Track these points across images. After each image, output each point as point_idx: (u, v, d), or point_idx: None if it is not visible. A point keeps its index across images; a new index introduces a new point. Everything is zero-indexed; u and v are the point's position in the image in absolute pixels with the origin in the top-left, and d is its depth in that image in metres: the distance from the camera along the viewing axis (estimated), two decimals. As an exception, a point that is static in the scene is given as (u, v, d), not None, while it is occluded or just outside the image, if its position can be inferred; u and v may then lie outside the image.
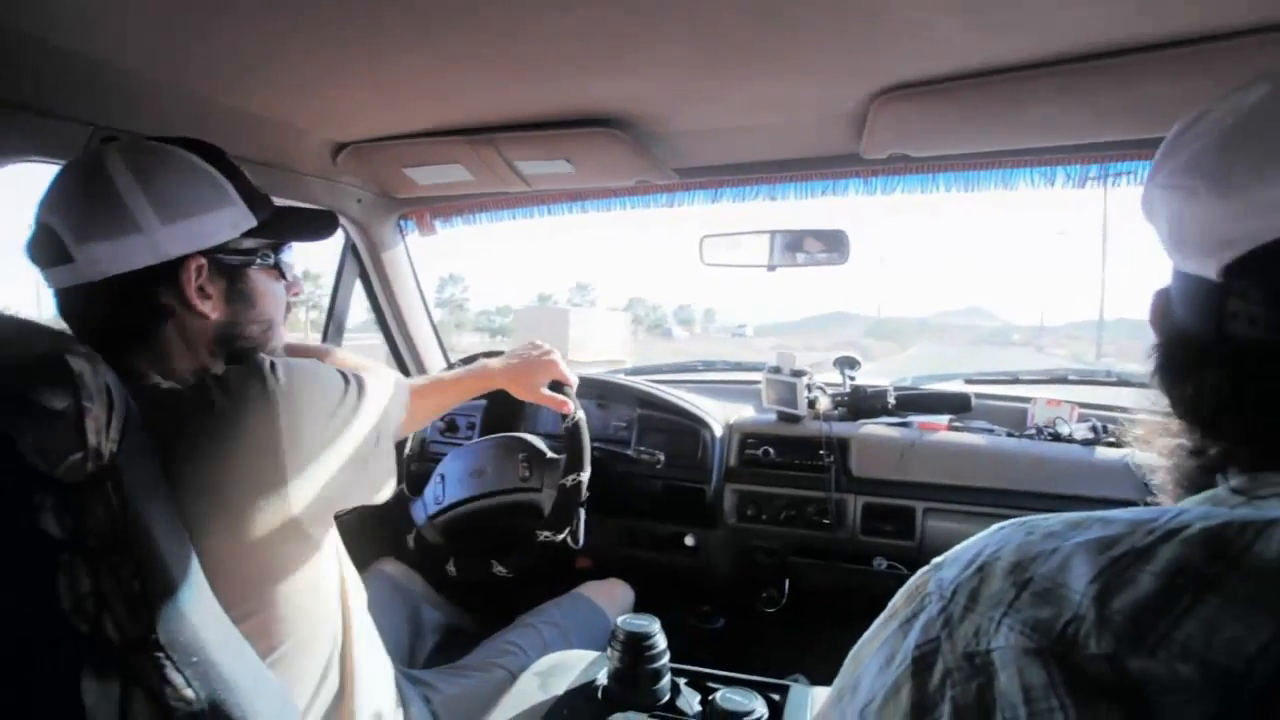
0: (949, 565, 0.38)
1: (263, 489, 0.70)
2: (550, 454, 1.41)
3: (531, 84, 1.04)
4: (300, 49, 0.91)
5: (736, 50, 0.91)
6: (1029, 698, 0.30)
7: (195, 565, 0.66)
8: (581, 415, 1.35)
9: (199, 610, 0.65)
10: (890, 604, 0.41)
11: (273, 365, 0.73)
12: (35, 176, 0.90)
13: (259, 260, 0.81)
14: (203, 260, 0.75)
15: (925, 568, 0.40)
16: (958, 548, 0.39)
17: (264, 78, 1.01)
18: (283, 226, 0.85)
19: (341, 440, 0.78)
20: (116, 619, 0.60)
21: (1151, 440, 0.48)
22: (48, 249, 0.72)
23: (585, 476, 1.33)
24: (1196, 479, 0.45)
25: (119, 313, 0.74)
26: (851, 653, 0.43)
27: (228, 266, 0.78)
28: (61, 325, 0.74)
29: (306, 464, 0.73)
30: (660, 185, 1.46)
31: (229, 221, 0.77)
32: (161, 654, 0.62)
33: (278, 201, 0.87)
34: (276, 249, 0.84)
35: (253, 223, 0.79)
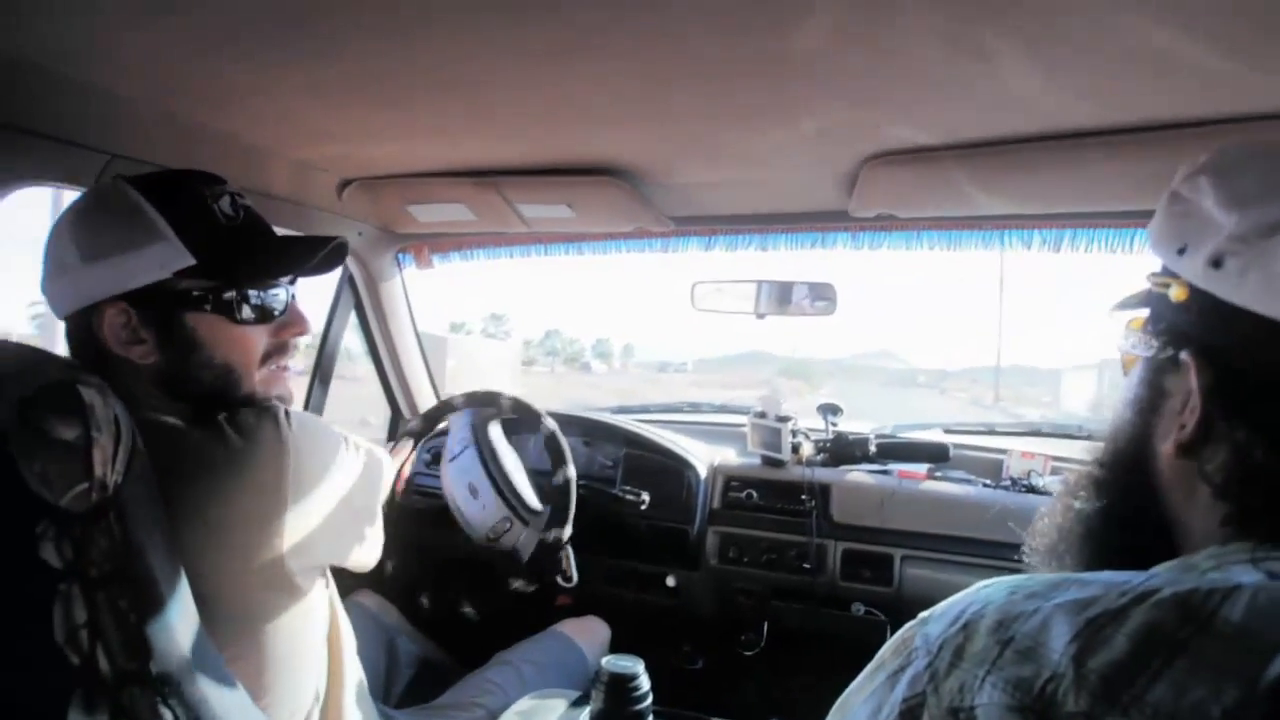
0: (935, 621, 0.40)
1: (259, 530, 0.70)
2: (537, 505, 1.42)
3: (539, 133, 1.08)
4: (312, 87, 0.93)
5: (738, 110, 0.96)
6: None
7: (190, 599, 0.66)
8: (572, 474, 1.38)
9: (193, 644, 0.65)
10: (878, 656, 0.43)
11: (286, 413, 0.74)
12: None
13: (193, 303, 0.73)
14: (124, 305, 0.70)
15: (912, 622, 0.42)
16: (943, 604, 0.41)
17: (275, 113, 1.04)
18: (242, 263, 0.75)
19: (339, 495, 0.78)
20: (110, 651, 0.61)
21: (1078, 495, 0.51)
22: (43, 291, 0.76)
23: (566, 533, 1.34)
24: (1103, 535, 0.48)
25: (77, 352, 0.74)
26: (838, 702, 0.45)
27: (158, 310, 0.72)
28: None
29: (303, 513, 0.73)
30: (656, 232, 1.50)
31: (153, 261, 0.70)
32: (154, 687, 0.62)
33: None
34: (222, 289, 0.74)
35: (187, 261, 0.71)
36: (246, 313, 0.76)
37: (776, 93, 0.89)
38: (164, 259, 0.71)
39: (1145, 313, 0.49)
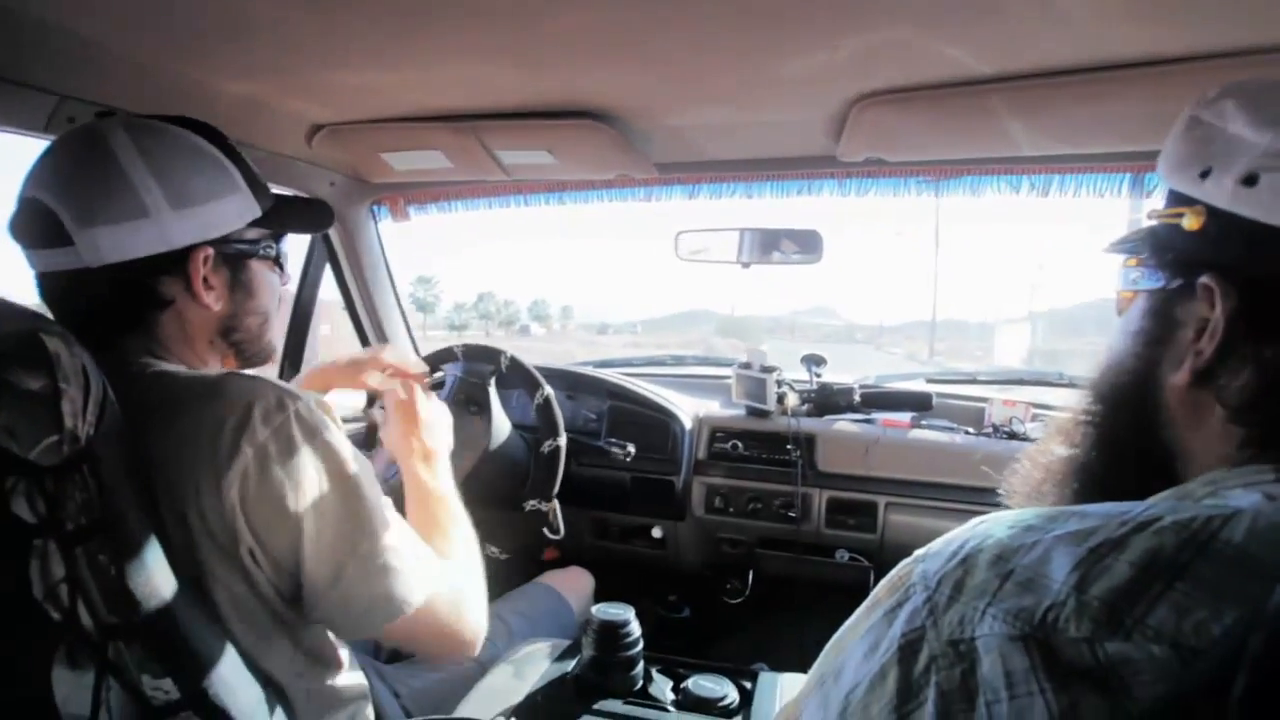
0: (932, 558, 0.39)
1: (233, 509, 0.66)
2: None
3: (518, 74, 1.03)
4: (279, 26, 0.89)
5: (724, 50, 0.92)
6: (1010, 682, 0.32)
7: (167, 552, 0.64)
8: (549, 390, 1.37)
9: (177, 598, 0.64)
10: (872, 594, 0.43)
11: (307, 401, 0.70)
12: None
13: (261, 251, 0.79)
14: (210, 250, 0.72)
15: (907, 560, 0.41)
16: (939, 541, 0.40)
17: (240, 54, 0.99)
18: (283, 217, 0.82)
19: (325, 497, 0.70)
20: (92, 606, 0.59)
21: (1068, 433, 0.51)
22: (41, 229, 0.67)
23: (563, 441, 1.34)
24: (1101, 471, 0.49)
25: (115, 300, 0.70)
26: (832, 640, 0.44)
27: (232, 257, 0.76)
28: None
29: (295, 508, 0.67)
30: (639, 179, 1.47)
31: (236, 211, 0.74)
32: (139, 641, 0.61)
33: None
34: (277, 239, 0.81)
35: (257, 212, 0.76)
36: (285, 262, 0.83)
37: (766, 30, 0.86)
38: (241, 209, 0.75)
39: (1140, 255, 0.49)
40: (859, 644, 0.40)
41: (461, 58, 0.99)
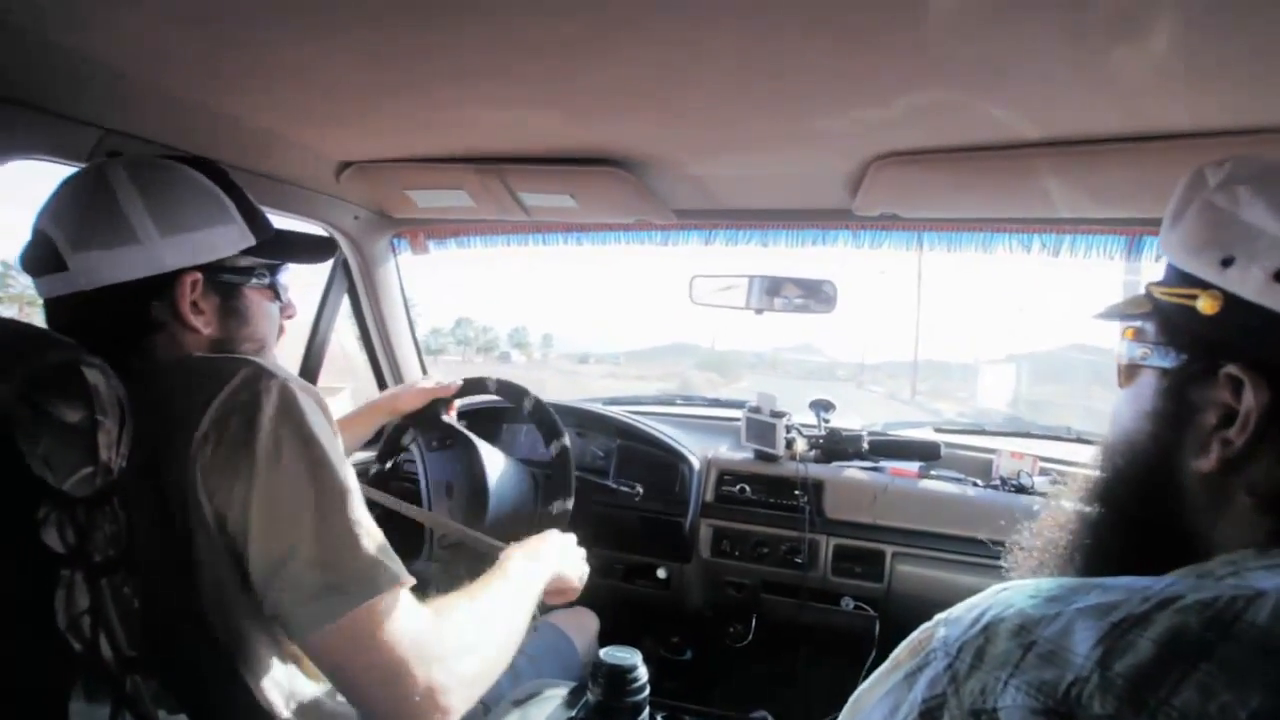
0: (953, 624, 0.39)
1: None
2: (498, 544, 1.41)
3: (546, 121, 1.06)
4: (313, 68, 0.92)
5: (749, 107, 0.95)
6: None
7: (191, 585, 0.65)
8: (568, 442, 1.37)
9: (195, 634, 0.64)
10: (892, 656, 0.43)
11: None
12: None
13: (254, 279, 0.82)
14: (198, 275, 0.76)
15: (927, 624, 0.41)
16: (960, 606, 0.41)
17: (274, 93, 1.02)
18: (281, 247, 0.85)
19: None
20: (114, 638, 0.60)
21: (1080, 497, 0.51)
22: (42, 256, 0.72)
23: (570, 504, 1.34)
24: (1114, 548, 0.48)
25: (110, 323, 0.73)
26: (852, 699, 0.45)
27: (223, 283, 0.79)
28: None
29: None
30: (657, 224, 1.50)
31: (228, 238, 0.78)
32: (157, 676, 0.61)
33: (277, 221, 0.87)
34: (273, 269, 0.84)
35: (251, 241, 0.80)
36: (282, 293, 0.86)
37: (788, 90, 0.89)
38: (233, 237, 0.79)
39: (1139, 325, 0.49)
40: (879, 706, 0.40)
41: (492, 104, 1.02)
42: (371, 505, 0.73)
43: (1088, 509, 0.51)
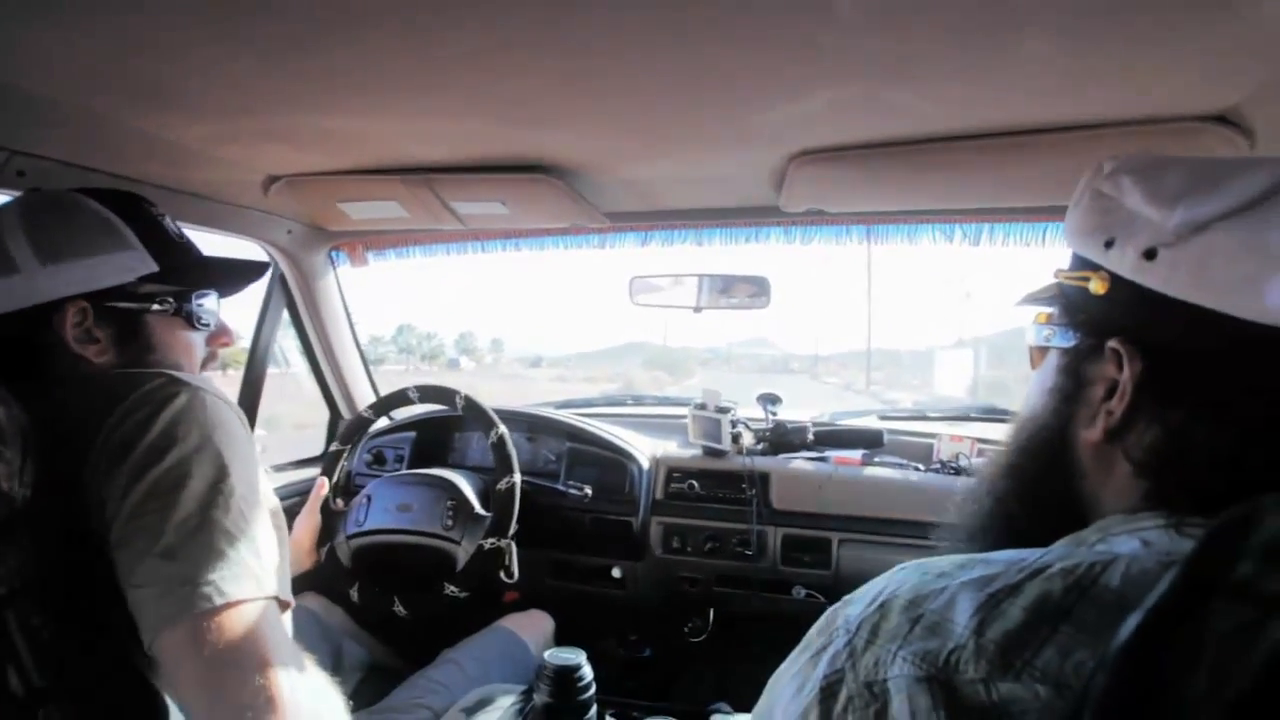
0: (855, 603, 0.42)
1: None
2: (478, 509, 1.42)
3: (469, 130, 1.07)
4: (234, 82, 0.91)
5: (668, 111, 0.97)
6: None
7: (105, 607, 0.64)
8: (517, 479, 1.39)
9: (107, 658, 0.63)
10: (805, 638, 0.45)
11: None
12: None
13: (155, 306, 0.79)
14: (84, 304, 0.74)
15: (837, 604, 0.44)
16: (864, 587, 0.43)
17: (194, 108, 1.00)
18: (194, 275, 0.83)
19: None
20: (22, 671, 0.59)
21: (993, 484, 0.54)
22: None
23: (518, 479, 1.36)
24: (1022, 518, 0.51)
25: (16, 352, 0.72)
26: (769, 682, 0.46)
27: (117, 311, 0.77)
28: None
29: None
30: (592, 228, 1.51)
31: (121, 266, 0.76)
32: (71, 704, 0.60)
33: (207, 239, 0.87)
34: (180, 297, 0.81)
35: (152, 268, 0.78)
36: (199, 320, 0.83)
37: (704, 92, 0.91)
38: (130, 264, 0.77)
39: (1050, 309, 0.52)
40: (789, 685, 0.42)
41: (417, 115, 1.02)
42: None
43: (998, 483, 0.54)
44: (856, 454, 1.62)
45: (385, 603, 1.32)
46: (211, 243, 1.37)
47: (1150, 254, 0.42)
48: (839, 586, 1.51)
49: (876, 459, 1.62)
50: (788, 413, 1.78)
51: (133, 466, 0.62)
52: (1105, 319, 0.45)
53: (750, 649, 1.70)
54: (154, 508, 0.61)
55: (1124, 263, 0.44)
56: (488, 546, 1.33)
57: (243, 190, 1.33)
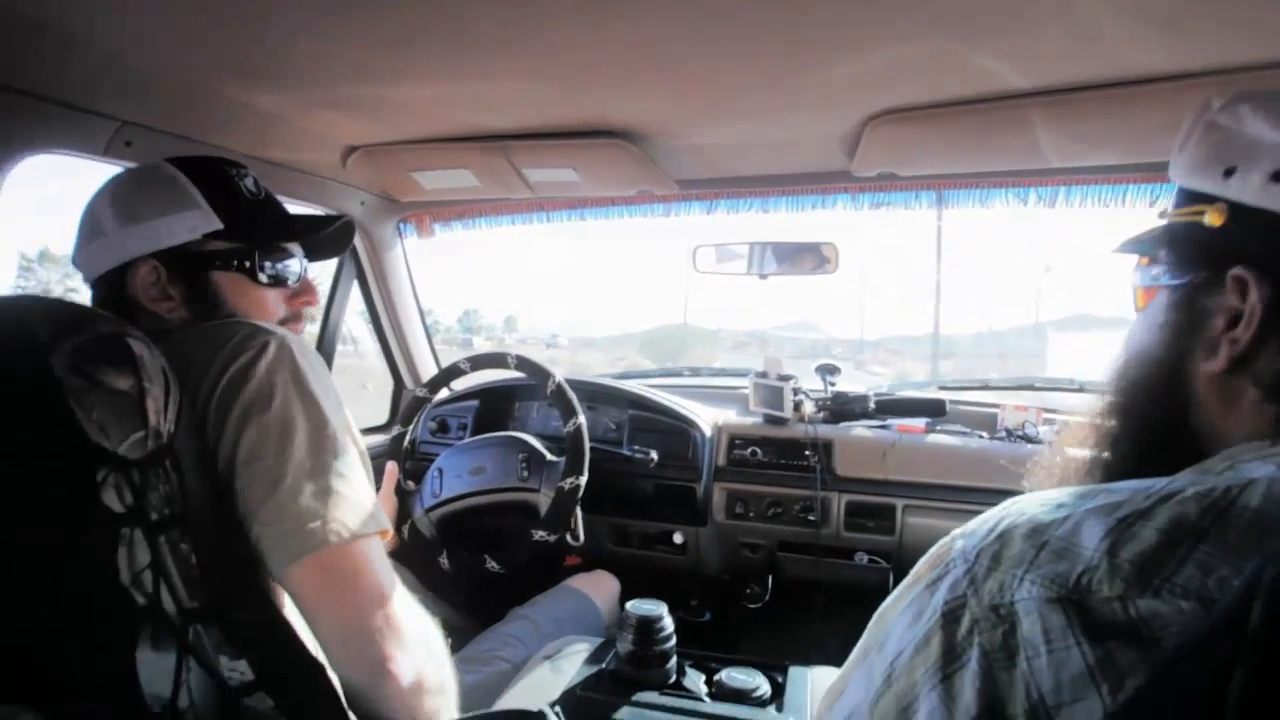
0: (969, 535, 0.42)
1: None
2: (550, 456, 1.45)
3: (547, 94, 1.08)
4: (318, 53, 0.94)
5: (746, 73, 0.98)
6: (1049, 639, 0.35)
7: (242, 542, 0.68)
8: (583, 420, 1.41)
9: (248, 585, 0.68)
10: (912, 572, 0.45)
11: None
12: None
13: (220, 262, 0.81)
14: (155, 262, 0.78)
15: (944, 539, 0.44)
16: (975, 520, 0.43)
17: (282, 79, 1.04)
18: (263, 231, 0.84)
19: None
20: (174, 591, 0.63)
21: (1084, 437, 0.54)
22: (73, 261, 0.82)
23: (583, 480, 1.37)
24: (1132, 457, 0.51)
25: (111, 310, 0.76)
26: (875, 616, 0.47)
27: (186, 269, 0.80)
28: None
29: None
30: (659, 195, 1.52)
31: (185, 224, 0.79)
32: (217, 625, 0.65)
33: (290, 207, 0.90)
34: (246, 253, 0.83)
35: (216, 226, 0.80)
36: (264, 276, 0.84)
37: (783, 52, 0.91)
38: (195, 223, 0.80)
39: (1154, 253, 0.51)
40: (901, 616, 0.43)
41: (493, 80, 1.04)
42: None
43: (1105, 424, 0.54)
44: (919, 422, 1.62)
45: (476, 563, 1.35)
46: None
47: (1279, 175, 0.42)
48: (903, 553, 1.51)
49: (939, 427, 1.62)
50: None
51: (241, 414, 0.67)
52: (1223, 249, 0.45)
53: (808, 615, 1.72)
54: (269, 452, 0.66)
55: (1247, 188, 0.43)
56: (567, 487, 1.36)
57: (323, 161, 1.37)
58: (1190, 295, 0.48)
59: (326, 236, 0.93)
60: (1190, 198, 0.48)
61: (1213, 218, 0.45)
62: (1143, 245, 0.54)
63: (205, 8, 0.82)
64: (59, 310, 0.67)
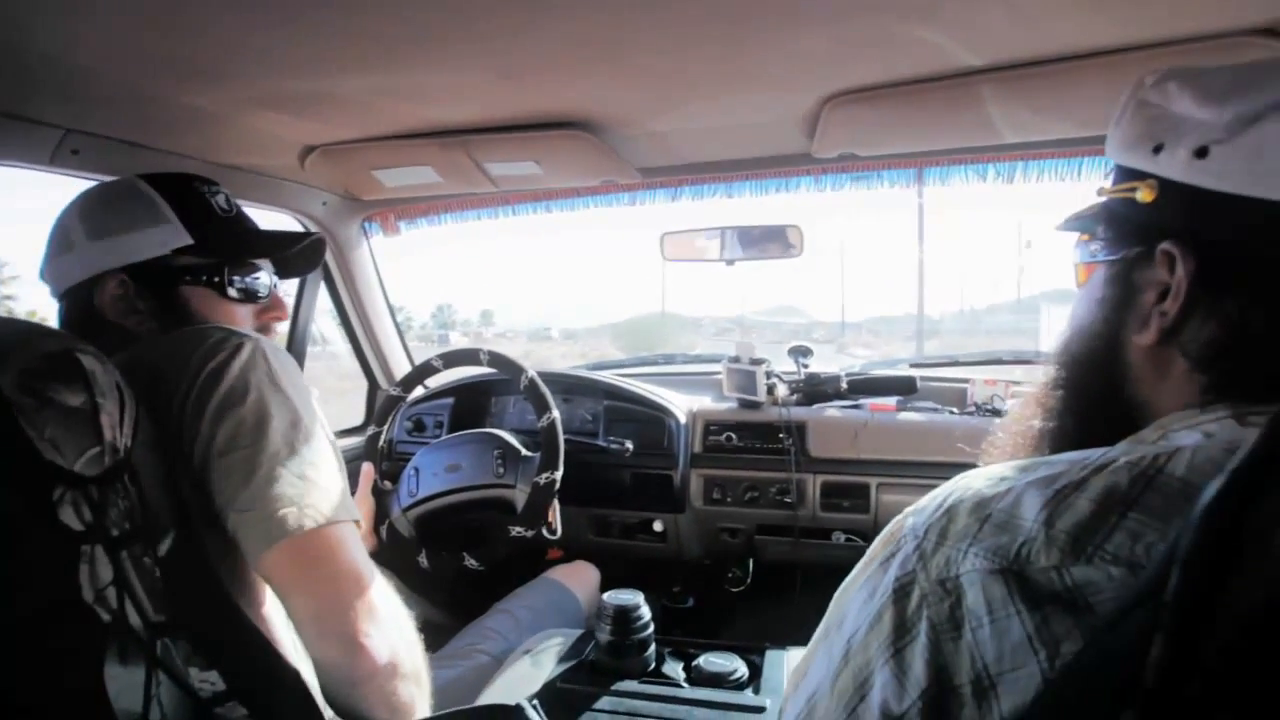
0: (919, 512, 0.44)
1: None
2: (525, 451, 1.46)
3: (504, 88, 1.07)
4: (266, 51, 0.92)
5: (702, 58, 0.97)
6: (991, 609, 0.36)
7: (203, 552, 0.68)
8: (557, 415, 1.41)
9: (214, 596, 0.67)
10: (868, 551, 0.47)
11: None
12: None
13: (189, 277, 0.82)
14: (123, 276, 0.79)
15: (899, 516, 0.46)
16: (925, 498, 0.45)
17: (232, 80, 1.02)
18: (232, 247, 0.85)
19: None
20: (139, 606, 0.62)
21: (1039, 402, 0.56)
22: (41, 274, 0.82)
23: (559, 475, 1.38)
24: (1075, 430, 0.53)
25: (76, 322, 0.79)
26: (835, 596, 0.49)
27: (156, 283, 0.81)
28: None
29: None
30: (623, 185, 1.52)
31: (155, 240, 0.80)
32: (184, 637, 0.64)
33: (250, 214, 0.91)
34: (217, 269, 0.84)
35: (186, 241, 0.81)
36: (234, 291, 0.85)
37: (737, 34, 0.91)
38: (165, 238, 0.81)
39: (1094, 228, 0.53)
40: (858, 594, 0.45)
41: (449, 73, 1.03)
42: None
43: (1049, 398, 0.55)
44: (891, 401, 1.64)
45: (455, 561, 1.35)
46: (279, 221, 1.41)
47: (1202, 152, 0.43)
48: (879, 531, 1.52)
49: (911, 405, 1.64)
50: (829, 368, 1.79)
51: (216, 409, 0.67)
52: (1154, 225, 0.46)
53: (790, 596, 1.74)
54: (245, 443, 0.67)
55: (1174, 165, 0.44)
56: (543, 482, 1.36)
57: (280, 163, 1.35)
58: (1124, 270, 0.49)
59: (297, 253, 0.93)
60: (1125, 174, 0.49)
61: (1144, 194, 0.46)
62: (1082, 223, 0.55)
63: (146, 9, 0.80)
64: (5, 328, 0.66)
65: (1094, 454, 0.40)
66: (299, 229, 1.48)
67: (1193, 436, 0.41)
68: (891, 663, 0.40)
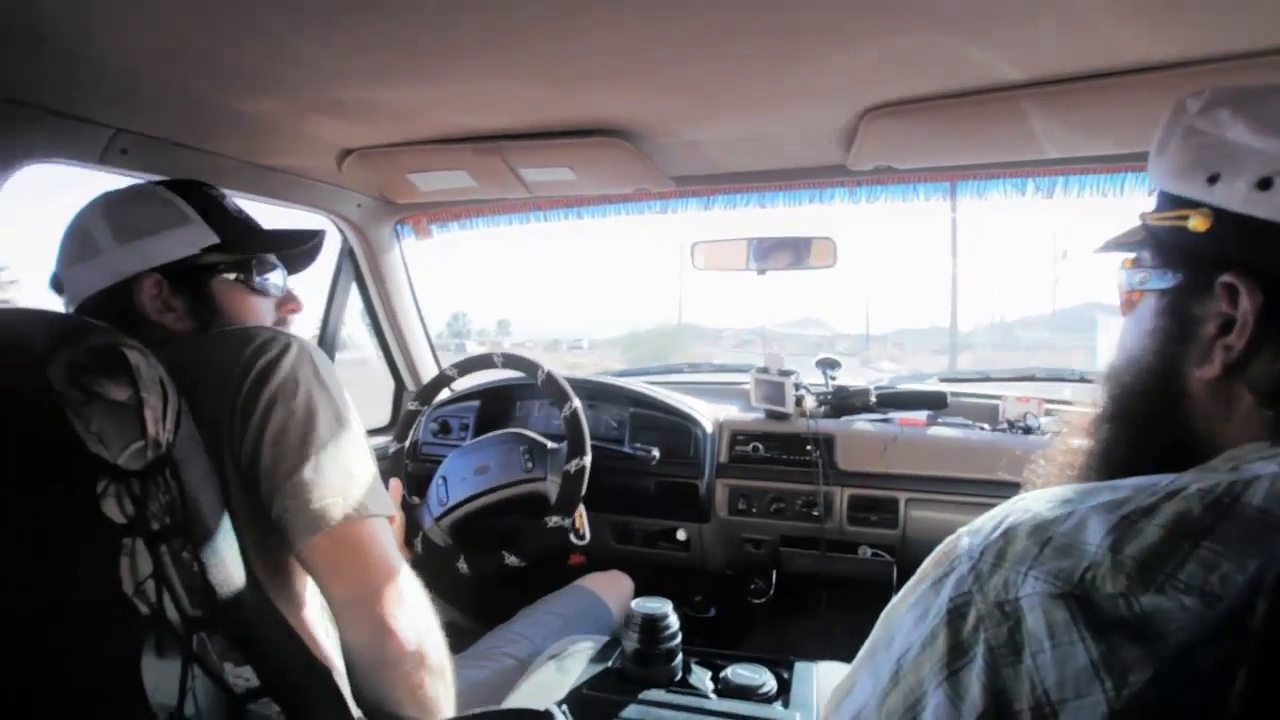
0: (975, 533, 0.43)
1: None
2: (551, 444, 1.46)
3: (544, 95, 1.08)
4: (312, 57, 0.94)
5: (744, 70, 0.97)
6: (1054, 634, 0.35)
7: (242, 548, 0.68)
8: (578, 404, 1.42)
9: (251, 590, 0.68)
10: (919, 570, 0.45)
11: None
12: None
13: (220, 274, 0.86)
14: (158, 276, 0.81)
15: (950, 537, 0.45)
16: (980, 519, 0.44)
17: (277, 84, 1.04)
18: (253, 244, 0.89)
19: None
20: (177, 600, 0.63)
21: (1086, 428, 0.54)
22: (53, 282, 0.83)
23: (588, 460, 1.38)
24: (1126, 463, 0.51)
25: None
26: (882, 615, 0.47)
27: (188, 281, 0.83)
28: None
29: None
30: (656, 193, 1.52)
31: (185, 240, 0.83)
32: (221, 632, 0.65)
33: (283, 213, 0.92)
34: (244, 265, 0.88)
35: (213, 240, 0.84)
36: (259, 286, 0.90)
37: (777, 46, 0.90)
38: (193, 238, 0.84)
39: (1137, 253, 0.51)
40: (908, 614, 0.43)
41: (486, 81, 1.04)
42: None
43: (1099, 429, 0.53)
44: (921, 415, 1.62)
45: (496, 561, 1.35)
46: (295, 219, 1.43)
47: (1265, 184, 0.42)
48: (906, 546, 1.51)
49: (941, 420, 1.62)
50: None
51: (268, 402, 0.71)
52: (1210, 255, 0.45)
53: (813, 609, 1.72)
54: (294, 437, 0.71)
55: (1233, 196, 0.43)
56: (573, 470, 1.36)
57: (318, 164, 1.37)
58: (1179, 301, 0.48)
59: (304, 250, 0.98)
60: (1173, 201, 0.48)
61: (1197, 223, 0.45)
62: (1126, 246, 0.54)
63: (199, 14, 0.81)
64: (55, 322, 0.67)
65: (1162, 479, 0.39)
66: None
67: (1269, 467, 0.39)
68: (946, 685, 0.39)
